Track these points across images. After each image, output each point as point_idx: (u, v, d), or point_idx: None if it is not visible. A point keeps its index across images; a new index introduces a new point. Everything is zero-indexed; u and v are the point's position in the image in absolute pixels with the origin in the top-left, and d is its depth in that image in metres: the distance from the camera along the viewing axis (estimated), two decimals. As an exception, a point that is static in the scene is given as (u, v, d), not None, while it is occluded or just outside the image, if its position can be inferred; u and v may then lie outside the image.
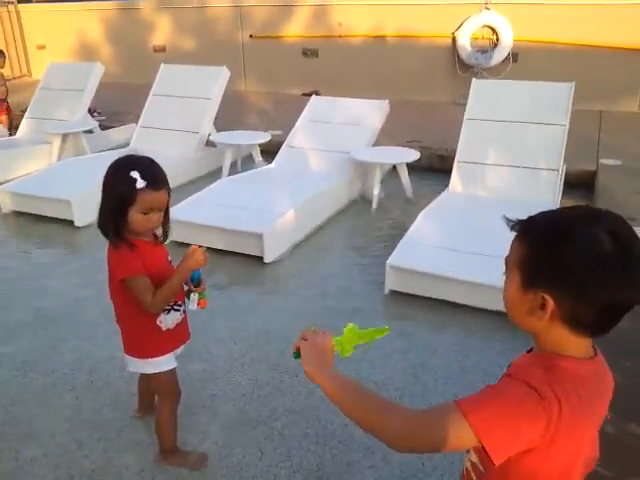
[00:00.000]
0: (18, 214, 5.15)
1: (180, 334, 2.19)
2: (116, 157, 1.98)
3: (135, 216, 1.91)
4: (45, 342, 3.22)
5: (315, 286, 3.85)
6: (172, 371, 2.21)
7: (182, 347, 2.26)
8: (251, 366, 2.99)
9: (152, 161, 1.98)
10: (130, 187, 1.86)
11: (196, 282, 2.13)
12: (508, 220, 1.12)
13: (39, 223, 4.94)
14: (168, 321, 2.10)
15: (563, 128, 4.83)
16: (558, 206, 4.57)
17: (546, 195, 4.65)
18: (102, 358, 3.04)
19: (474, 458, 1.18)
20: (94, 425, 2.58)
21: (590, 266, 0.98)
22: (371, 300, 3.67)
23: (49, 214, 4.95)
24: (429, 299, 3.56)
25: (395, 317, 3.51)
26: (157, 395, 2.32)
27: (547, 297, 1.02)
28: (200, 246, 2.05)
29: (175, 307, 2.11)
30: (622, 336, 2.72)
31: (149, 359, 2.13)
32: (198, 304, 2.15)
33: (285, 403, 2.70)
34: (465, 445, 1.04)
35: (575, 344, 1.07)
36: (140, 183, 1.87)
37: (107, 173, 1.95)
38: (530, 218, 1.10)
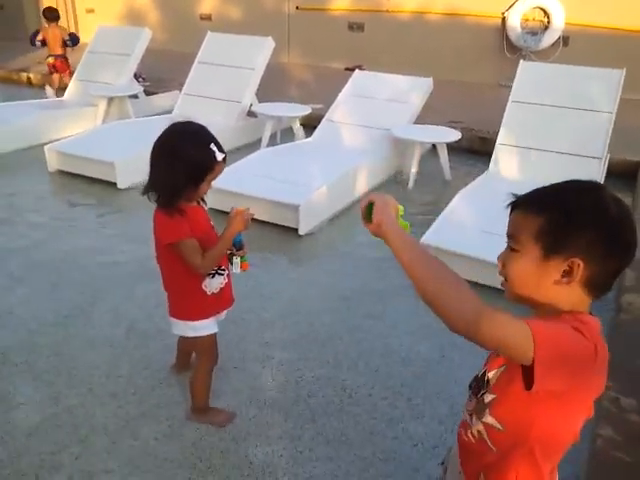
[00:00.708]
0: (63, 173, 5.30)
1: (224, 298, 2.28)
2: (166, 123, 2.05)
3: (205, 184, 2.04)
4: (86, 298, 3.34)
5: (347, 261, 3.90)
6: (212, 335, 2.31)
7: (225, 312, 2.35)
8: (282, 333, 3.07)
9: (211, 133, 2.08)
10: (211, 158, 1.99)
11: (238, 245, 2.21)
12: (514, 196, 1.20)
13: (83, 183, 5.09)
14: (213, 285, 2.18)
15: (610, 116, 4.73)
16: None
17: (587, 183, 4.57)
18: (140, 317, 3.15)
19: (480, 427, 1.22)
20: (130, 380, 2.69)
21: (609, 230, 1.08)
22: (403, 277, 3.68)
23: (93, 175, 5.09)
24: (461, 280, 3.57)
25: (425, 296, 3.53)
26: (196, 355, 2.43)
27: (577, 260, 1.08)
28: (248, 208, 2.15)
29: (219, 271, 2.19)
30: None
31: (192, 322, 2.23)
32: (241, 267, 2.23)
33: (313, 370, 2.78)
34: (517, 351, 1.01)
35: (587, 306, 1.15)
36: (219, 156, 2.01)
37: (180, 141, 1.99)
38: (536, 192, 1.17)
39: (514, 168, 4.86)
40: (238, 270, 2.23)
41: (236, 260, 2.22)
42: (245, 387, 2.67)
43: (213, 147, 2.00)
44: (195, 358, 2.45)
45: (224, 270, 2.23)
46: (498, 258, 1.22)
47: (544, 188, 1.17)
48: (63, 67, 7.99)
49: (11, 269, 3.65)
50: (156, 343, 2.94)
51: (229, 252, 2.22)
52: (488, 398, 1.22)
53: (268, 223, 4.27)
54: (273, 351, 2.92)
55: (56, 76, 8.00)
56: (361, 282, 3.60)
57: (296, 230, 4.17)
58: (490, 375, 1.23)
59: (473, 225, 3.88)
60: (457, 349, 2.96)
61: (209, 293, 2.19)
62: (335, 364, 2.82)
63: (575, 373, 1.05)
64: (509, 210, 1.20)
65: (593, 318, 1.13)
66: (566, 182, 1.16)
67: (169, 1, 11.40)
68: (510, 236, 1.18)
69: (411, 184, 5.17)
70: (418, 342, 3.01)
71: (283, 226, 4.24)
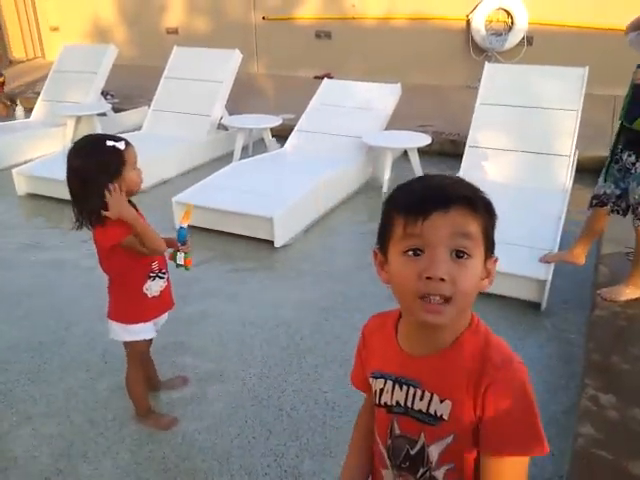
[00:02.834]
0: (33, 196, 5.22)
1: (164, 301, 2.34)
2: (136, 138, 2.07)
3: (130, 174, 2.07)
4: (59, 323, 3.29)
5: (325, 270, 3.89)
6: (148, 342, 2.40)
7: (165, 316, 2.39)
8: (261, 348, 3.05)
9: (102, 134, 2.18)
10: (115, 152, 2.02)
11: (182, 241, 2.27)
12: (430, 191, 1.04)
13: (54, 206, 5.01)
14: (153, 288, 2.25)
15: (575, 113, 4.81)
16: (569, 192, 4.56)
17: (557, 181, 4.64)
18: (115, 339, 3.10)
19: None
20: (108, 405, 2.65)
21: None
22: (380, 285, 3.69)
23: (63, 197, 4.99)
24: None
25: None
26: (127, 361, 2.43)
27: (495, 257, 1.05)
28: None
29: (160, 274, 2.26)
30: (634, 324, 2.76)
31: (131, 325, 2.27)
32: (184, 262, 2.30)
33: (294, 384, 2.76)
34: None
35: None
36: (120, 145, 2.04)
37: (81, 164, 2.02)
38: (461, 186, 1.03)
39: (485, 169, 4.90)
40: (182, 262, 2.29)
41: (180, 255, 2.28)
42: (226, 405, 2.64)
43: (109, 143, 2.02)
44: (127, 365, 2.46)
45: (164, 273, 2.29)
46: (438, 277, 0.95)
47: (460, 182, 1.05)
48: None
49: (-18, 297, 3.57)
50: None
51: (172, 250, 2.29)
52: (440, 473, 1.11)
53: (243, 236, 4.25)
54: (253, 366, 2.90)
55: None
56: (339, 292, 3.59)
57: (272, 242, 4.15)
58: (432, 449, 1.09)
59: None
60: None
61: (150, 296, 2.25)
62: (316, 377, 2.80)
63: None
64: (427, 210, 0.97)
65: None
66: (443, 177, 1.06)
67: (135, 16, 11.31)
68: (455, 238, 0.97)
69: (385, 189, 5.19)
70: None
71: (259, 239, 4.22)
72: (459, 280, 0.96)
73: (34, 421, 2.56)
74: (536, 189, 4.55)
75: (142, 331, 2.31)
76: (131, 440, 2.45)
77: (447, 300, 0.97)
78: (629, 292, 3.02)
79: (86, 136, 2.14)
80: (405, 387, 1.10)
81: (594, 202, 3.21)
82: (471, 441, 1.04)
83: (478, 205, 1.00)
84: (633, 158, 2.93)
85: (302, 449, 2.38)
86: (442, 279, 0.95)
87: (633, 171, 2.94)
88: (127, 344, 2.36)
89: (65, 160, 2.07)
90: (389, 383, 1.13)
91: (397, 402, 1.11)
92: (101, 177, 2.00)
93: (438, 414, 1.05)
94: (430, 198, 0.97)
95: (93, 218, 2.07)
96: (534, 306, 3.35)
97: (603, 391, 2.30)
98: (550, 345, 3.06)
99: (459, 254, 0.97)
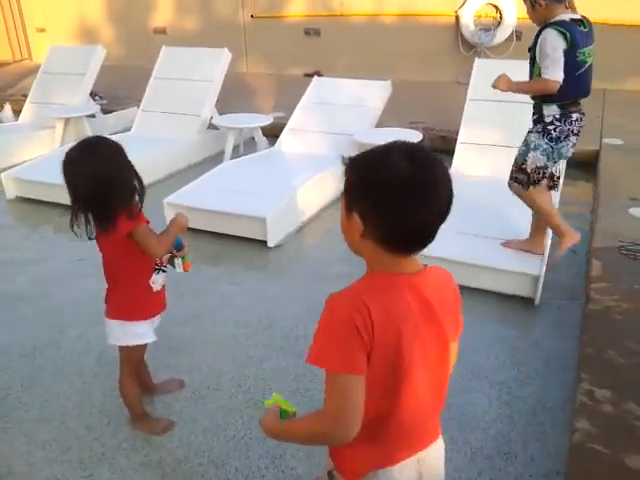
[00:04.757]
0: (22, 200, 5.18)
1: (162, 299, 2.36)
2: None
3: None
4: (53, 327, 3.26)
5: (318, 270, 3.88)
6: (145, 346, 2.38)
7: (159, 318, 2.38)
8: (255, 348, 3.04)
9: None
10: (122, 149, 2.10)
11: (178, 247, 2.31)
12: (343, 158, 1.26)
13: (45, 209, 4.97)
14: (158, 281, 2.28)
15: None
16: (560, 187, 4.57)
17: (548, 176, 4.64)
18: (110, 344, 3.08)
19: None
20: (103, 410, 2.63)
21: (385, 186, 1.13)
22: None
23: (53, 200, 4.97)
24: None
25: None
26: (122, 365, 2.41)
27: (357, 218, 1.18)
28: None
29: (162, 268, 2.29)
30: (629, 318, 2.76)
31: (134, 324, 2.26)
32: (183, 267, 2.35)
33: (290, 385, 2.75)
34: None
35: (388, 260, 1.22)
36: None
37: (100, 165, 2.01)
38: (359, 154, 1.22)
39: (476, 165, 4.91)
40: (181, 270, 2.34)
41: (178, 261, 2.33)
42: (221, 407, 2.63)
43: (115, 141, 2.12)
44: (121, 369, 2.44)
45: (166, 267, 2.32)
46: None
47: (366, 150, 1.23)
48: None
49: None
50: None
51: (169, 255, 2.32)
52: None
53: (236, 237, 4.23)
54: (249, 368, 2.88)
55: None
56: (334, 291, 3.57)
57: (265, 242, 4.14)
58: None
59: (446, 227, 3.90)
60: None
61: (154, 290, 2.27)
62: (312, 377, 2.79)
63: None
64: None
65: (387, 276, 1.22)
66: (385, 144, 1.20)
67: (122, 16, 11.24)
68: None
69: (377, 187, 5.18)
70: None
71: (252, 239, 4.21)
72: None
73: (28, 427, 2.54)
74: (528, 184, 4.55)
75: (144, 334, 2.30)
76: (127, 445, 2.43)
77: None
78: (527, 246, 3.52)
79: (88, 139, 2.13)
80: None
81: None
82: None
83: (345, 170, 1.24)
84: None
85: (299, 450, 2.36)
86: None
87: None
88: (123, 349, 2.34)
89: (63, 165, 2.04)
90: None
91: None
92: (127, 174, 2.06)
93: None
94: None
95: (112, 217, 2.05)
96: (528, 301, 3.36)
97: (598, 385, 2.30)
98: (545, 340, 3.06)
99: None
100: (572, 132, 3.23)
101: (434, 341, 1.25)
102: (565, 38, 2.97)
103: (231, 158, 5.72)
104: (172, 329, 3.03)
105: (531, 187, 3.33)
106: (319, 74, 7.74)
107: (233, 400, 2.67)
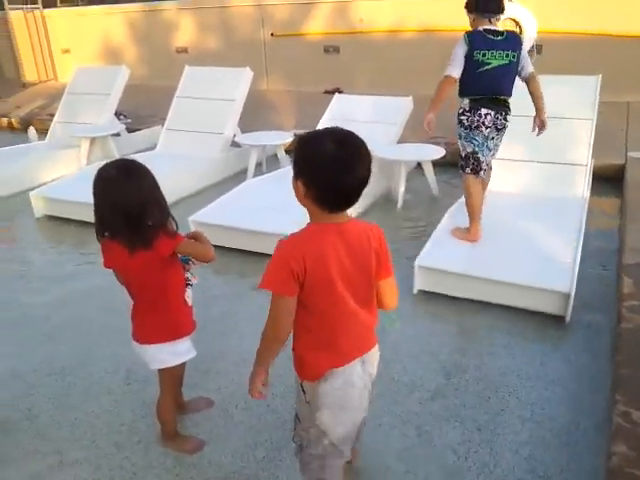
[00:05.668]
0: (50, 218, 5.26)
1: (192, 313, 2.39)
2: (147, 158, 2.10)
3: None
4: (82, 346, 3.30)
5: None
6: (185, 363, 2.40)
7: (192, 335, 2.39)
8: (283, 366, 3.00)
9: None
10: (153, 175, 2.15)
11: (185, 262, 2.34)
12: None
13: (72, 227, 5.04)
14: (190, 294, 2.34)
15: (590, 122, 4.79)
16: (587, 202, 4.52)
17: (575, 190, 4.62)
18: (137, 361, 3.09)
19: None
20: (132, 428, 2.64)
21: (317, 161, 1.60)
22: (400, 299, 3.66)
23: (82, 218, 5.02)
24: (458, 298, 3.57)
25: (424, 317, 3.52)
26: (161, 384, 2.42)
27: (300, 184, 1.63)
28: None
29: (190, 283, 2.35)
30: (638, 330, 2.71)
31: (179, 342, 2.28)
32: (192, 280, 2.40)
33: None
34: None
35: (323, 214, 1.67)
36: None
37: (137, 186, 2.07)
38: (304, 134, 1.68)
39: (499, 181, 4.87)
40: (192, 282, 2.39)
41: (188, 274, 2.37)
42: (250, 429, 2.62)
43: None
44: (161, 387, 2.44)
45: (193, 282, 2.38)
46: None
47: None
48: None
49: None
50: (156, 387, 2.84)
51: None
52: None
53: (261, 254, 4.23)
54: (276, 386, 2.83)
55: None
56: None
57: (289, 259, 4.13)
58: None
59: (465, 242, 3.89)
60: (461, 372, 2.93)
61: (189, 304, 2.34)
62: (340, 396, 2.77)
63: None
64: None
65: (319, 226, 1.69)
66: (322, 129, 1.69)
67: (144, 37, 11.45)
68: None
69: (400, 203, 5.19)
70: (422, 367, 2.98)
71: (276, 256, 4.20)
72: None
73: (60, 445, 2.55)
74: (554, 199, 4.52)
75: (187, 350, 2.34)
76: (158, 463, 2.43)
77: None
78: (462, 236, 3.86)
79: (117, 160, 2.19)
80: None
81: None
82: None
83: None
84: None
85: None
86: None
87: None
88: (166, 369, 2.33)
89: (98, 186, 2.11)
90: None
91: None
92: (158, 193, 2.12)
93: None
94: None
95: (150, 235, 2.07)
96: (558, 319, 3.32)
97: (635, 407, 2.25)
98: (577, 359, 3.01)
99: None
100: (483, 124, 3.79)
101: (357, 270, 1.72)
102: (466, 42, 3.67)
103: (254, 176, 5.76)
104: (198, 347, 3.02)
105: (467, 170, 3.92)
106: (339, 91, 7.79)
107: (262, 420, 2.66)
